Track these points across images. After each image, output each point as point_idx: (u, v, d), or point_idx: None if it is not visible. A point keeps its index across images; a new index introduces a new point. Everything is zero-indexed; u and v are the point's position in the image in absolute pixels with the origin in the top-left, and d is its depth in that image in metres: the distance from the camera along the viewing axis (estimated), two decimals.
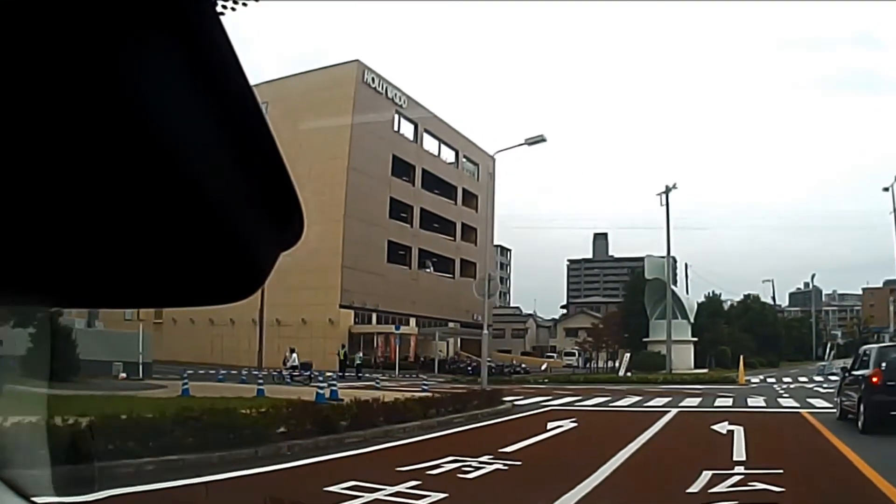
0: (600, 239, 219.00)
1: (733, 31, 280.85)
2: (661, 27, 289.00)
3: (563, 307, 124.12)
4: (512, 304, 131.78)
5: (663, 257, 70.67)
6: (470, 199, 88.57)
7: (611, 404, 28.94)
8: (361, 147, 69.18)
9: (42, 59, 0.82)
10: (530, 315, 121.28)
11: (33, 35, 0.81)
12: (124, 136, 0.86)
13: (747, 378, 50.41)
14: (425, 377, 47.54)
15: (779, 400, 30.97)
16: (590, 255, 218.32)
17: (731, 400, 30.81)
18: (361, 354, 58.38)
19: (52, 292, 1.02)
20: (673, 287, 71.04)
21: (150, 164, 0.89)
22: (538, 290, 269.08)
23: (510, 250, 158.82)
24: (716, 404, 28.55)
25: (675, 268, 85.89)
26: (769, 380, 54.02)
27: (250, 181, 0.97)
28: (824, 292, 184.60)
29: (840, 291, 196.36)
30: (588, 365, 75.36)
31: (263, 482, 11.23)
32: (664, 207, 65.57)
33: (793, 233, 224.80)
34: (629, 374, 59.59)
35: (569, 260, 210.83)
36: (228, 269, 1.01)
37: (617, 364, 65.90)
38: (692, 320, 74.07)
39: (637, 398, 31.95)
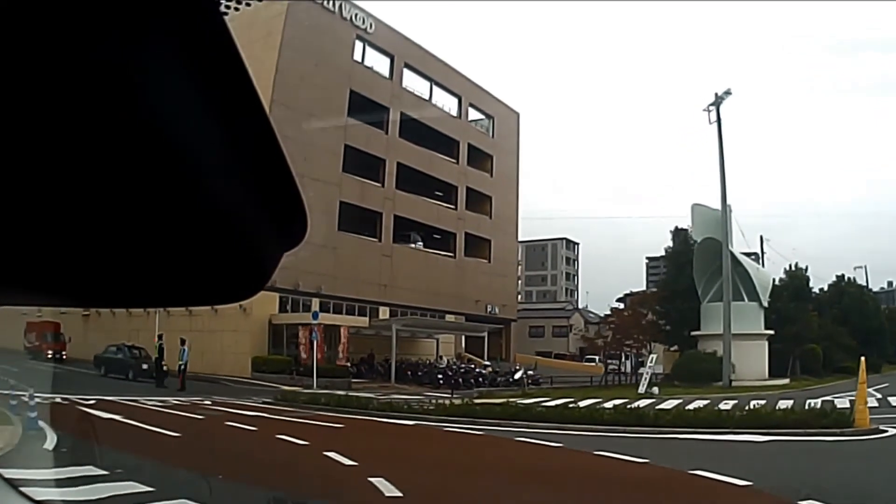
0: (680, 234, 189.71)
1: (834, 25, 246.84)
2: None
3: (618, 300, 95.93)
4: (582, 305, 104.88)
5: (718, 210, 44.14)
6: (481, 159, 63.68)
7: None
8: (293, 75, 45.62)
9: (45, 60, 0.77)
10: (575, 310, 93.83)
11: (38, 35, 0.76)
12: (129, 136, 0.82)
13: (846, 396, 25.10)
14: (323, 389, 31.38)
15: None
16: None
17: None
18: (187, 349, 34.37)
19: (59, 292, 0.99)
20: (734, 251, 44.32)
21: (154, 165, 0.85)
22: (615, 290, 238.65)
23: (577, 244, 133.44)
24: None
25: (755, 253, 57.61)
26: (892, 399, 28.11)
27: (254, 181, 0.94)
28: None
29: None
30: (607, 371, 48.29)
31: None
32: (715, 125, 40.30)
33: (870, 232, 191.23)
34: (656, 388, 34.58)
35: (647, 257, 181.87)
36: (233, 269, 0.98)
37: (643, 371, 38.80)
38: (766, 303, 46.93)
39: None
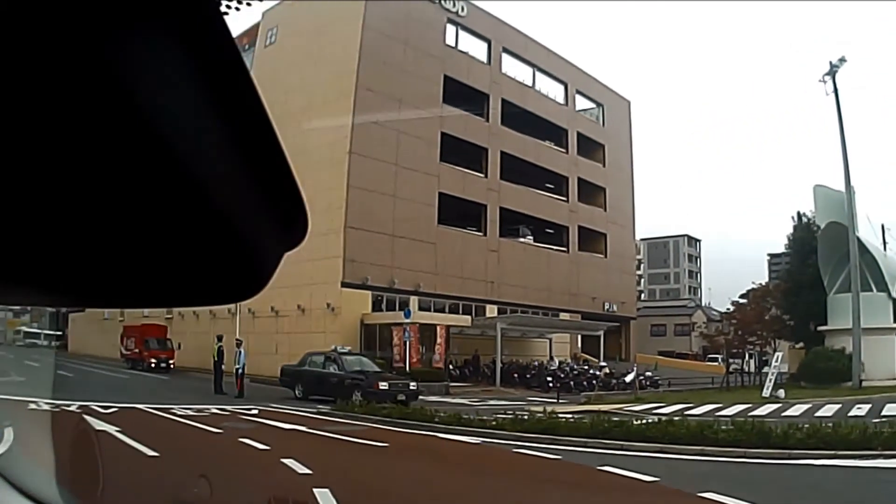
0: (803, 219, 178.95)
1: None
2: None
3: (742, 296, 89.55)
4: (704, 302, 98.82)
5: (842, 191, 39.22)
6: (592, 149, 59.12)
7: None
8: (380, 59, 42.71)
9: (45, 58, 0.76)
10: (698, 307, 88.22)
11: (37, 35, 0.75)
12: (129, 136, 0.81)
13: None
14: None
15: None
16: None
17: None
18: (243, 352, 30.88)
19: (60, 292, 0.99)
20: (860, 236, 39.34)
21: (154, 164, 0.84)
22: (738, 288, 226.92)
23: (699, 241, 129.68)
24: None
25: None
26: None
27: (255, 181, 0.93)
28: None
29: None
30: (729, 371, 43.23)
31: None
32: (832, 96, 35.86)
33: None
34: (781, 391, 30.66)
35: (769, 254, 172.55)
36: (234, 269, 0.97)
37: (768, 370, 34.39)
38: (895, 294, 41.14)
39: None
